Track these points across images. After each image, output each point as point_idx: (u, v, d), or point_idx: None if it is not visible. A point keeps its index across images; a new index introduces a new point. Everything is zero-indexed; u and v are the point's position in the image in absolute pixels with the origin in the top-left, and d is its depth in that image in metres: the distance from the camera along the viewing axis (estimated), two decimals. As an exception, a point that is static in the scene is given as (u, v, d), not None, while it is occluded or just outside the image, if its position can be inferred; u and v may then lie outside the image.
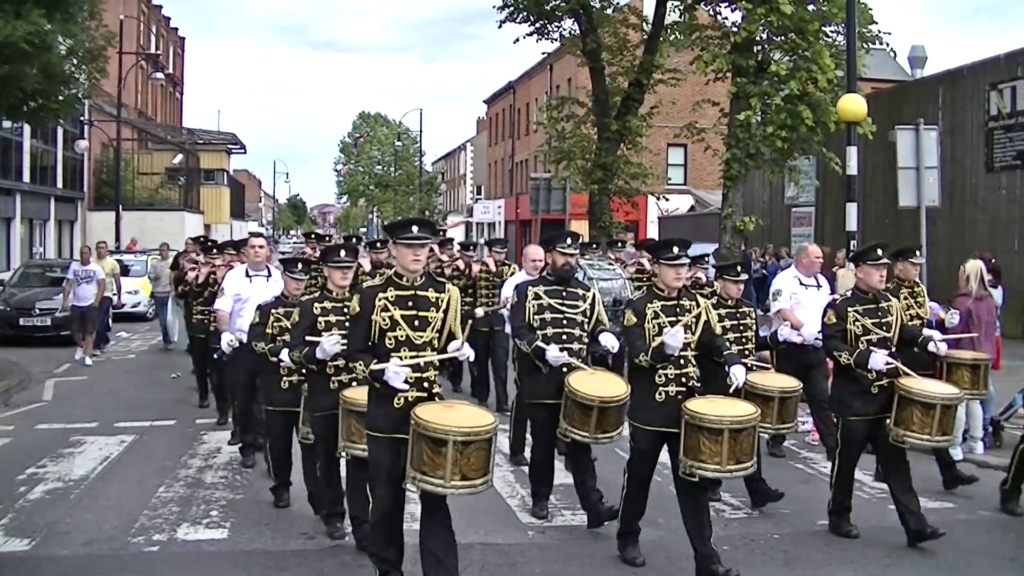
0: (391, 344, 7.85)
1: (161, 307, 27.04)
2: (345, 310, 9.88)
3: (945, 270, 20.27)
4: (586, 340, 10.44)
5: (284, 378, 10.65)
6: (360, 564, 9.14)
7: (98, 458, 13.51)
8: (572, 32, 33.96)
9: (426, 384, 7.97)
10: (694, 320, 9.16)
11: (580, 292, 10.61)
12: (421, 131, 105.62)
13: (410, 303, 7.94)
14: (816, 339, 11.61)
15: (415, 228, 8.01)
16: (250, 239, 14.14)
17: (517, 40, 34.89)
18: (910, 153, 18.73)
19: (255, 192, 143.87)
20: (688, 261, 9.33)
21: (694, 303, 9.33)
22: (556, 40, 35.11)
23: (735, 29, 27.14)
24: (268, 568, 9.15)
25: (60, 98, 24.54)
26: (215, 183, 63.92)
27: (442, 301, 8.07)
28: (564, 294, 10.47)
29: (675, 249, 9.11)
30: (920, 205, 18.32)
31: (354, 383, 9.11)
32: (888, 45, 29.96)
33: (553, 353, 9.99)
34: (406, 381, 7.70)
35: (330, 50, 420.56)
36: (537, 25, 33.61)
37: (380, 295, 7.92)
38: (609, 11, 33.87)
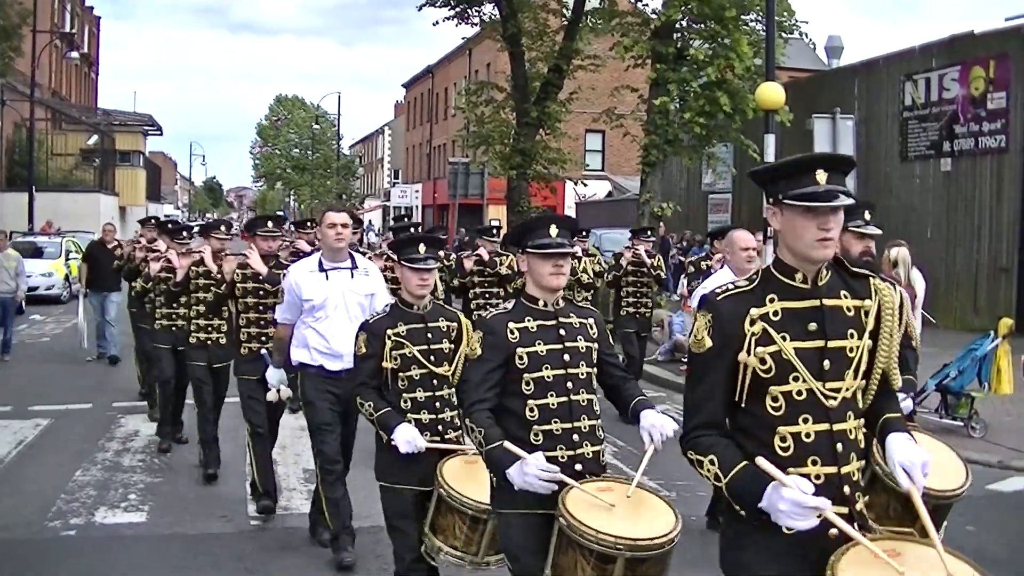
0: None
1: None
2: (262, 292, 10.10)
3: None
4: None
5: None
6: (281, 547, 9.16)
7: (13, 442, 13.32)
8: (492, 17, 33.95)
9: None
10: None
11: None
12: (339, 115, 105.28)
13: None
14: None
15: (422, 247, 6.92)
16: (327, 215, 8.82)
17: (436, 23, 34.73)
18: (826, 141, 18.98)
19: (171, 174, 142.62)
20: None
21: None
22: (476, 25, 35.12)
23: (655, 15, 27.34)
24: (188, 551, 9.09)
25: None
26: (130, 165, 63.13)
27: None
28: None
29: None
30: (836, 193, 18.53)
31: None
32: (806, 35, 30.31)
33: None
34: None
35: (248, 32, 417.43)
36: (457, 9, 33.64)
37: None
38: (529, -4, 33.90)
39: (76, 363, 20.05)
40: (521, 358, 5.55)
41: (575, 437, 5.55)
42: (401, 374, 6.81)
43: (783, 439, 4.09)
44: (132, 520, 10.04)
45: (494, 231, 16.10)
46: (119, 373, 18.77)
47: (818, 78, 36.63)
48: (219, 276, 10.76)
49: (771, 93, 18.50)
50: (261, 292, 10.08)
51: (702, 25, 26.79)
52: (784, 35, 28.03)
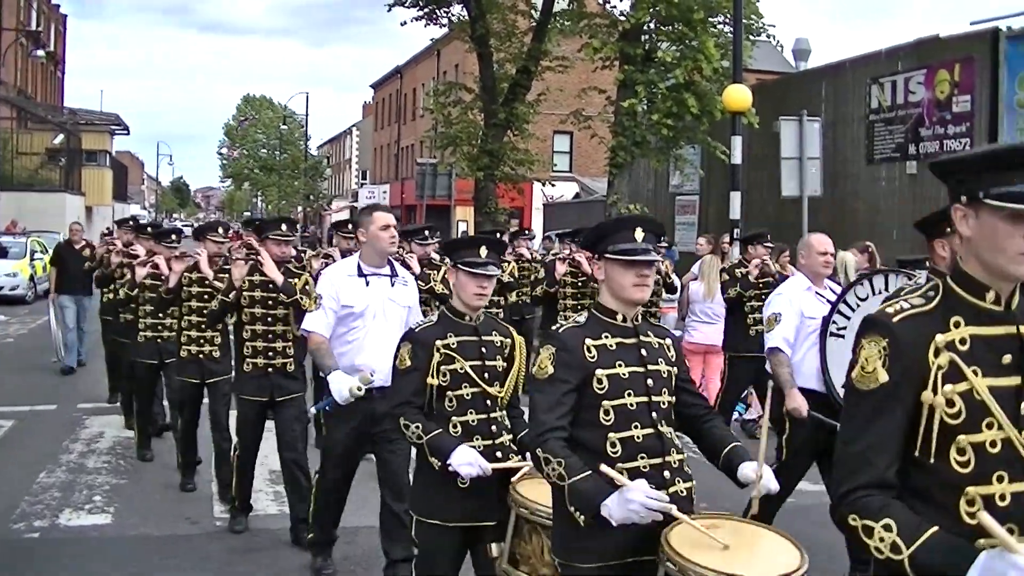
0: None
1: None
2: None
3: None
4: None
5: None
6: (248, 548, 9.14)
7: (-24, 443, 13.23)
8: (461, 18, 33.90)
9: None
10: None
11: None
12: (307, 115, 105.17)
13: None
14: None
15: (484, 251, 6.09)
16: (378, 215, 7.99)
17: (404, 24, 34.66)
18: (793, 144, 19.09)
19: (138, 174, 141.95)
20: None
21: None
22: (444, 25, 35.06)
23: (623, 17, 27.40)
24: (154, 553, 9.07)
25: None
26: (97, 164, 62.74)
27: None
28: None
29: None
30: (802, 195, 18.66)
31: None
32: (773, 37, 30.40)
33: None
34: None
35: (216, 32, 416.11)
36: (426, 10, 33.54)
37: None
38: (498, -2, 33.93)
39: (41, 364, 19.89)
40: (600, 381, 4.79)
41: (666, 474, 4.82)
42: (450, 393, 5.97)
43: (971, 502, 3.26)
44: (97, 522, 10.00)
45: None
46: (85, 375, 18.67)
47: (785, 80, 36.73)
48: (219, 283, 10.08)
49: (738, 95, 18.56)
50: (270, 302, 9.23)
51: (670, 27, 26.85)
52: (752, 38, 28.13)
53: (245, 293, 9.25)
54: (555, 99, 34.89)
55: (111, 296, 14.73)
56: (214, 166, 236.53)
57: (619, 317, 4.97)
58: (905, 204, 27.09)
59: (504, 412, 6.18)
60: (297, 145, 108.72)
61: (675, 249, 26.27)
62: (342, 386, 7.46)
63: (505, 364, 6.18)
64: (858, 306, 8.45)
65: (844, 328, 8.39)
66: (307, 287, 9.09)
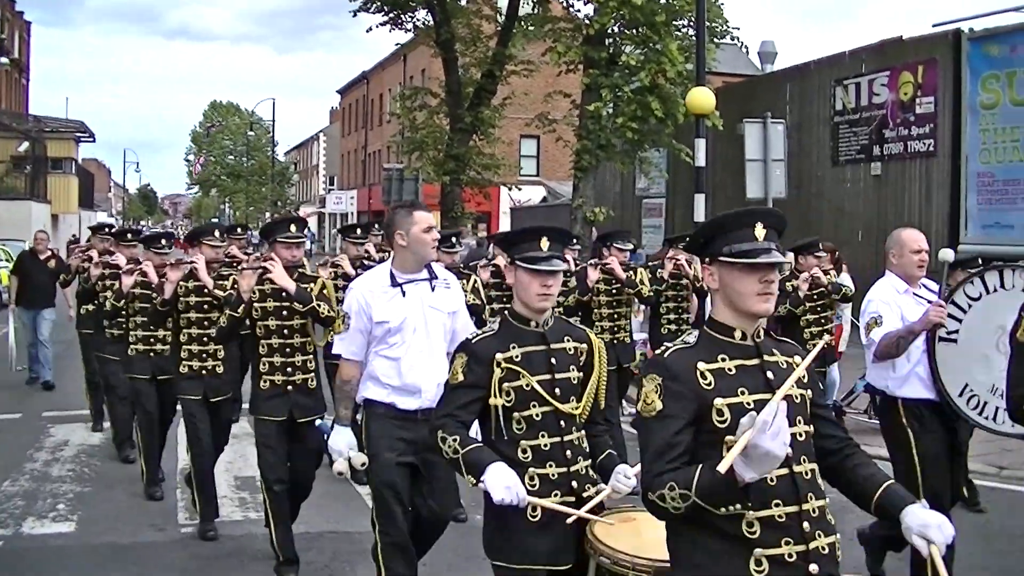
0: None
1: None
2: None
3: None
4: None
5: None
6: (214, 555, 9.11)
7: (-61, 453, 13.13)
8: (426, 23, 33.93)
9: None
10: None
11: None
12: (274, 121, 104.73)
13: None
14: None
15: (546, 243, 5.29)
16: (418, 215, 6.88)
17: (370, 29, 34.71)
18: (757, 146, 19.15)
19: (104, 181, 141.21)
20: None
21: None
22: (410, 30, 35.09)
23: (588, 21, 27.48)
24: (118, 561, 9.01)
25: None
26: (63, 172, 62.39)
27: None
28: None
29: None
30: (767, 196, 18.72)
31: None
32: (738, 40, 30.53)
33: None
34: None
35: (183, 39, 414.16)
36: (391, 15, 33.56)
37: (499, 355, 5.17)
38: (463, 2, 34.02)
39: (3, 372, 19.72)
40: (720, 413, 3.93)
41: (805, 525, 3.94)
42: (517, 414, 5.14)
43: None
44: (61, 530, 9.92)
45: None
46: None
47: (750, 83, 36.92)
48: (219, 292, 9.41)
49: (701, 98, 18.59)
50: (285, 312, 8.40)
51: (634, 31, 27.02)
52: (716, 40, 28.31)
53: (256, 304, 8.39)
54: (520, 103, 34.98)
55: (89, 308, 13.67)
56: (181, 173, 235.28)
57: (737, 334, 4.11)
58: (870, 205, 27.31)
59: (582, 432, 5.31)
60: (264, 151, 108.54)
61: (641, 252, 26.28)
62: (341, 447, 6.79)
63: (582, 374, 5.29)
64: (970, 307, 7.79)
65: (955, 332, 7.70)
66: (324, 292, 8.48)
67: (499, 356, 5.10)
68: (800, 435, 4.01)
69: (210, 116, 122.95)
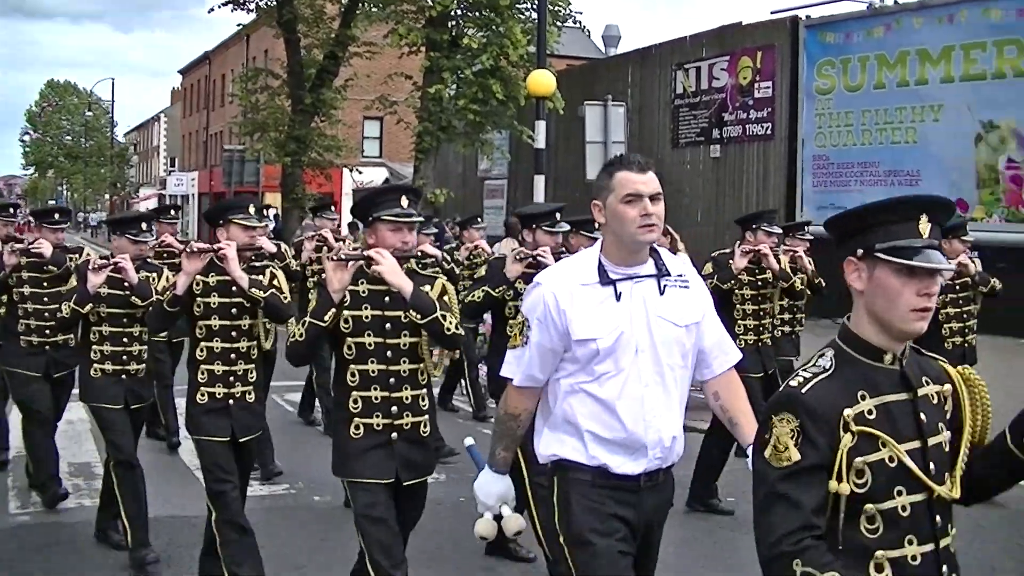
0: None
1: None
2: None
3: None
4: None
5: None
6: (46, 544, 8.84)
7: None
8: (268, 3, 33.50)
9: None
10: None
11: None
12: (113, 101, 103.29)
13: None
14: None
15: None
16: (627, 176, 4.54)
17: (212, 10, 34.10)
18: (598, 128, 19.33)
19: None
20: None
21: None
22: (252, 11, 34.60)
23: (430, 3, 27.41)
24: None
25: None
26: None
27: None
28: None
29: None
30: (607, 179, 18.89)
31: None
32: (581, 23, 30.72)
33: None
34: None
35: (19, 15, 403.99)
36: (233, -6, 33.08)
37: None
38: (306, -18, 33.61)
39: None
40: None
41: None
42: (871, 506, 3.17)
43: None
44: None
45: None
46: None
47: (593, 66, 37.20)
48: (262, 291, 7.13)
49: (541, 80, 18.68)
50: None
51: (477, 13, 27.10)
52: (559, 24, 28.43)
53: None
54: (363, 85, 34.76)
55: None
56: (16, 153, 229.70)
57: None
58: (709, 187, 27.77)
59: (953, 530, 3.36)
60: (103, 132, 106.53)
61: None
62: (491, 501, 4.79)
63: (951, 434, 3.37)
64: None
65: None
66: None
67: (849, 413, 3.16)
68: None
69: (46, 95, 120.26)
